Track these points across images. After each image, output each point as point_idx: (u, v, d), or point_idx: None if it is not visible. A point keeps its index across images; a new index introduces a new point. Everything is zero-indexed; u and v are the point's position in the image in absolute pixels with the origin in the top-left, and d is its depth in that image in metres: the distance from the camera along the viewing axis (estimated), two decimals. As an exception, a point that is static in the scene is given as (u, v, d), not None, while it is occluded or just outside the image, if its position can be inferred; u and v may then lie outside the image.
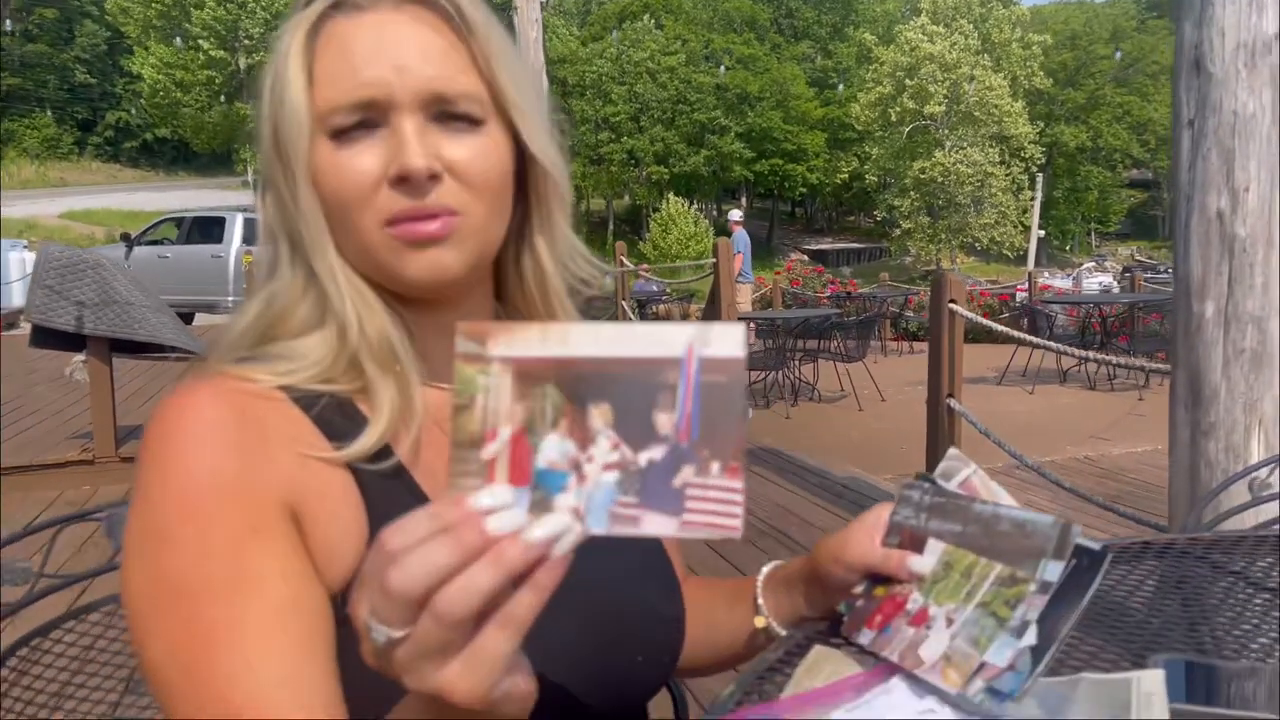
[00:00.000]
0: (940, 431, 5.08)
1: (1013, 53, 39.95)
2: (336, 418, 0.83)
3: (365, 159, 0.82)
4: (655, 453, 0.55)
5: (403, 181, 0.81)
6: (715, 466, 0.54)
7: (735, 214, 14.21)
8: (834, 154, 41.20)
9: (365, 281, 0.86)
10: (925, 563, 0.94)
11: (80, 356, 6.09)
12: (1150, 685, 0.88)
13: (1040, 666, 0.77)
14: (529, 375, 0.56)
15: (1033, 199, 39.80)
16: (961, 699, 0.79)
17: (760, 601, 1.05)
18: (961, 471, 1.02)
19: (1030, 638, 0.78)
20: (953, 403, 4.96)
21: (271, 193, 0.87)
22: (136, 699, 1.35)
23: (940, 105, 36.81)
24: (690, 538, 0.55)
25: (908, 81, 36.69)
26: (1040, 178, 39.55)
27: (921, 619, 0.89)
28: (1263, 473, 1.91)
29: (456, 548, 0.51)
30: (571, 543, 0.53)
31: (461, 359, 0.57)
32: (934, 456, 5.11)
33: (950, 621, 0.86)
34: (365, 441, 0.81)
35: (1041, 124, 42.16)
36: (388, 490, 0.82)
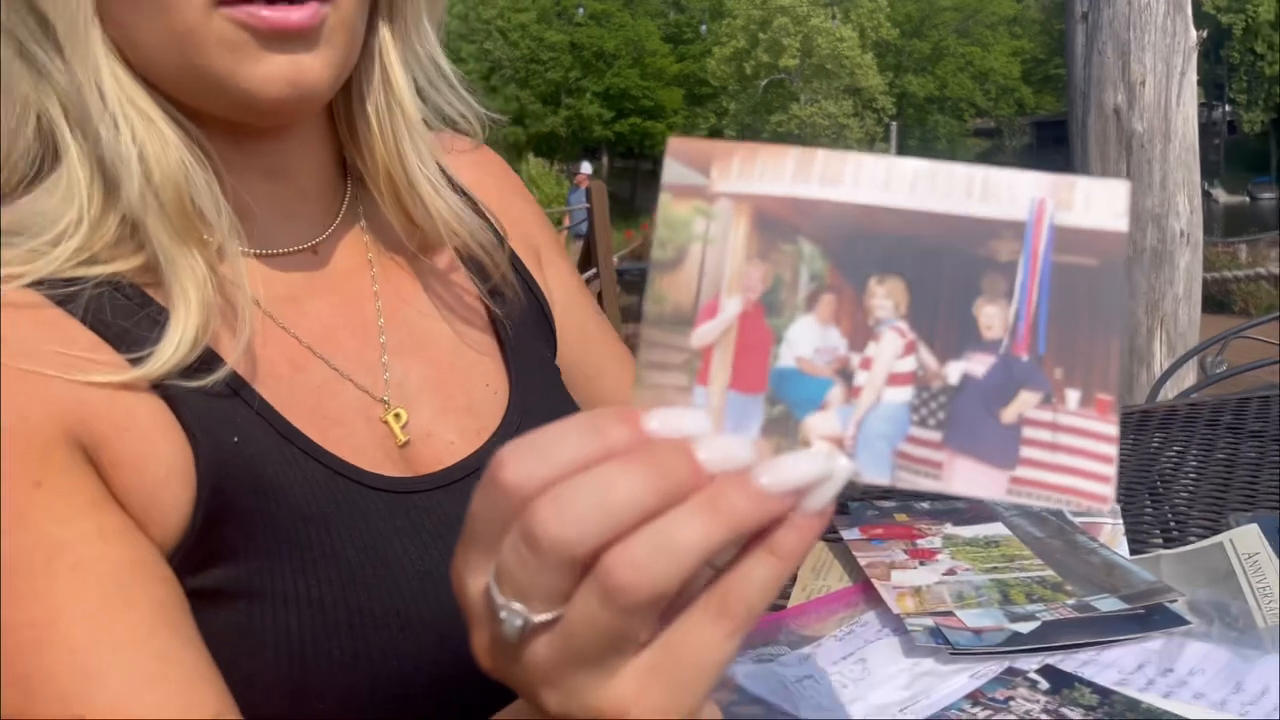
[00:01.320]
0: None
1: (860, 4, 40.78)
2: (119, 317, 0.55)
3: None
4: (975, 364, 0.36)
5: None
6: (1074, 397, 0.35)
7: (586, 166, 12.99)
8: (692, 110, 41.44)
9: (151, 97, 0.56)
10: (970, 529, 0.81)
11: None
12: (1248, 545, 0.72)
13: (1005, 650, 0.63)
14: (775, 223, 0.37)
15: (887, 150, 40.87)
16: (900, 621, 0.67)
17: None
18: (1100, 515, 0.87)
19: (1024, 627, 0.64)
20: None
21: None
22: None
23: (794, 58, 37.31)
24: (1024, 504, 0.35)
25: (761, 35, 37.04)
26: (893, 129, 40.67)
27: (925, 556, 0.77)
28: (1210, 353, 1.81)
29: (651, 479, 0.31)
30: (834, 493, 0.33)
31: (671, 192, 0.38)
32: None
33: (952, 572, 0.73)
34: (169, 350, 0.54)
35: (891, 75, 43.30)
36: (221, 415, 0.57)
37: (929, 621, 0.67)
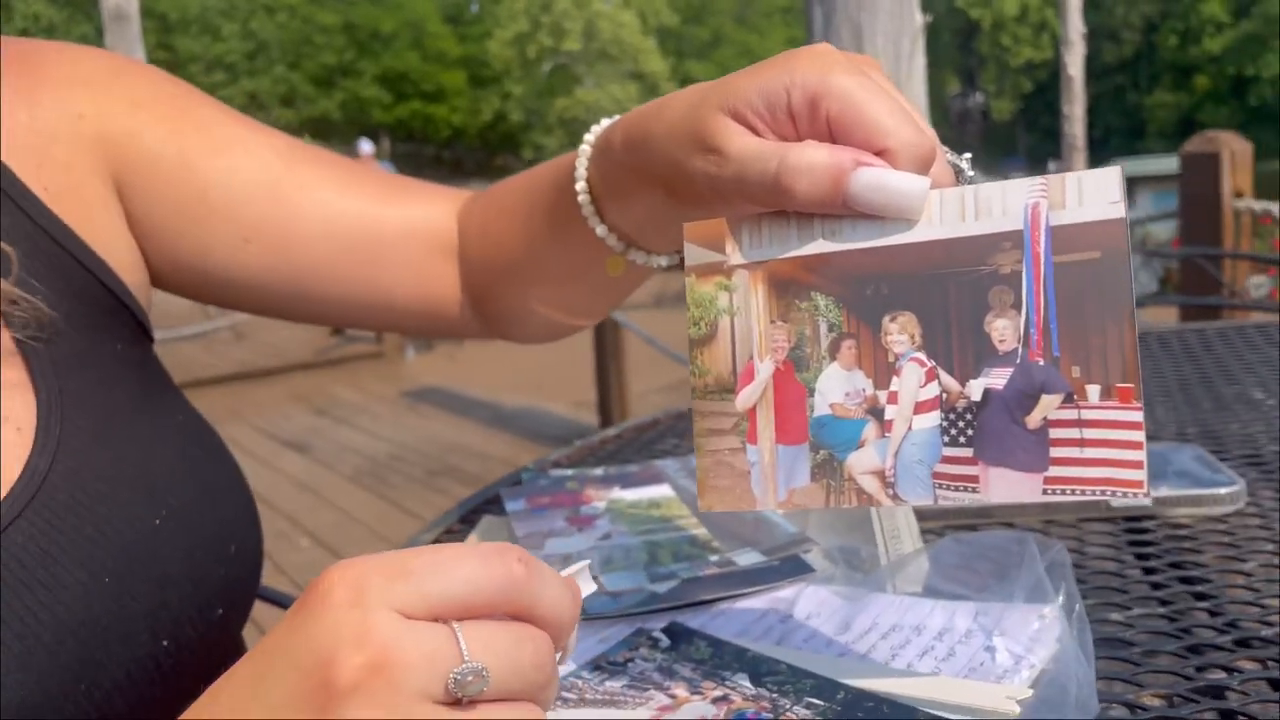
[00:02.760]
0: (607, 347, 5.07)
1: (640, -11, 41.36)
2: None
3: None
4: (994, 379, 0.38)
5: None
6: (1094, 391, 0.36)
7: (366, 146, 11.43)
8: (476, 93, 40.94)
9: None
10: (634, 492, 0.80)
11: None
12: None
13: (639, 612, 0.62)
14: (789, 282, 0.41)
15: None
16: None
17: (601, 231, 0.56)
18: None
19: (662, 587, 0.63)
20: (620, 316, 4.94)
21: None
22: None
23: (577, 42, 37.42)
24: (1062, 503, 0.38)
25: (543, 18, 36.94)
26: (675, 113, 41.40)
27: (584, 522, 0.75)
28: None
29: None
30: None
31: (694, 273, 0.42)
32: (603, 374, 5.10)
33: (608, 537, 0.72)
34: None
35: (673, 60, 44.13)
36: None
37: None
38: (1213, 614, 0.58)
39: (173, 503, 0.60)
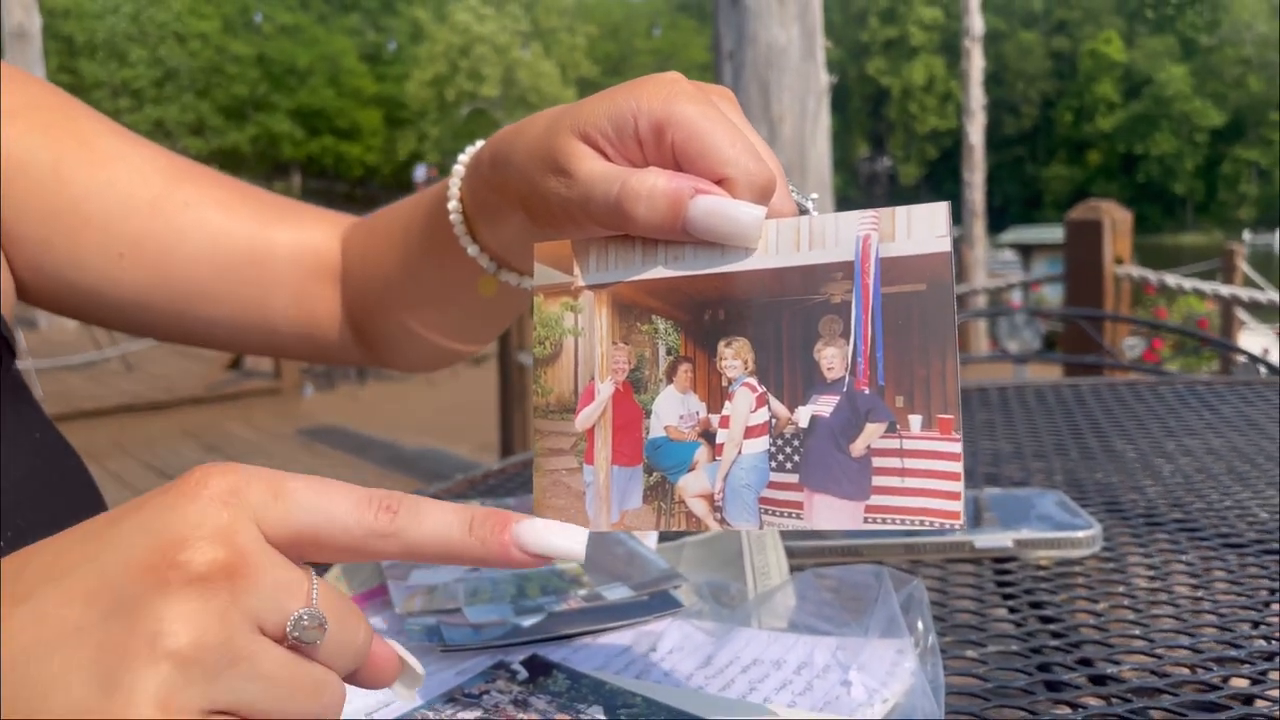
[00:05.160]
0: (512, 389, 5.03)
1: (561, 40, 41.83)
2: None
3: None
4: (821, 406, 0.38)
5: None
6: (916, 421, 0.37)
7: (421, 171, 10.27)
8: (392, 132, 40.71)
9: None
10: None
11: None
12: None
13: (500, 644, 0.61)
14: (631, 305, 0.42)
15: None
16: (401, 621, 0.64)
17: (473, 251, 0.56)
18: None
19: (527, 620, 0.63)
20: (524, 357, 4.92)
21: None
22: None
23: (495, 88, 37.58)
24: (883, 530, 0.36)
25: (461, 62, 37.04)
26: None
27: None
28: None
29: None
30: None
31: (542, 293, 0.43)
32: (507, 416, 5.06)
33: (476, 569, 0.70)
34: None
35: (590, 111, 44.74)
36: None
37: (430, 620, 0.63)
38: (1064, 652, 0.59)
39: (19, 523, 0.57)
